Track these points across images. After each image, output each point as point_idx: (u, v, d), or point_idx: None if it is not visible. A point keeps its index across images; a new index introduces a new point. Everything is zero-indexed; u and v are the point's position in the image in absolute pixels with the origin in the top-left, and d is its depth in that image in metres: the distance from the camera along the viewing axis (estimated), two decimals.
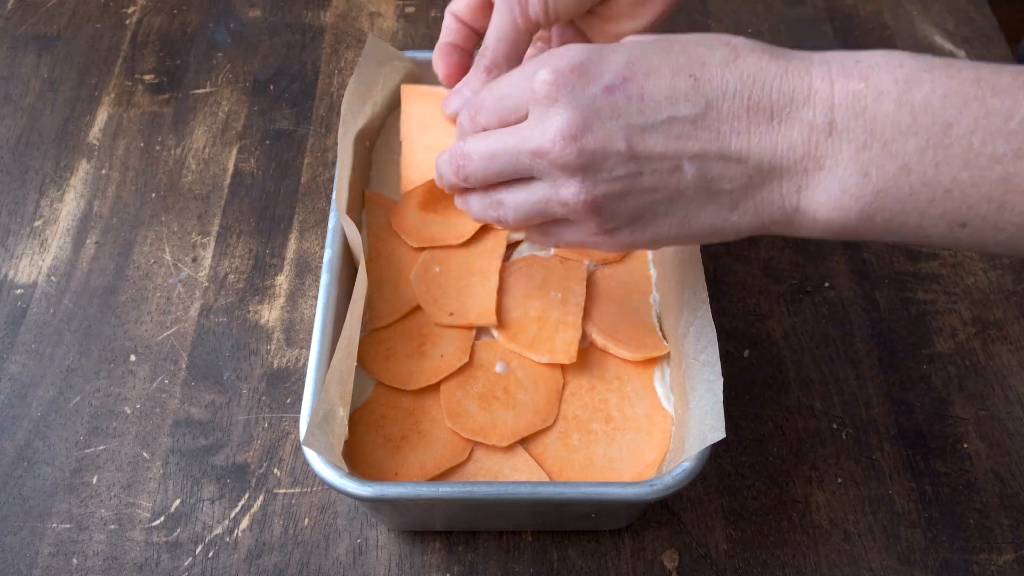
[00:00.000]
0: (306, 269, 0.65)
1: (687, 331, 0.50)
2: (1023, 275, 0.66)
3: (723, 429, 0.44)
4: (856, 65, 0.37)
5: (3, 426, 0.58)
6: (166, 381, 0.60)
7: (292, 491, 0.55)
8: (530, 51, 0.54)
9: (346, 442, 0.49)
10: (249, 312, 0.63)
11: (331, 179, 0.71)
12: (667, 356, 0.54)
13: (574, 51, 0.40)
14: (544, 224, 0.45)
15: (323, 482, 0.45)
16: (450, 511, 0.51)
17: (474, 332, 0.54)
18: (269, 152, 0.73)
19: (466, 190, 0.46)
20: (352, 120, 0.58)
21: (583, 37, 0.54)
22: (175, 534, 0.54)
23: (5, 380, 0.60)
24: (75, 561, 0.53)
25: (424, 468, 0.49)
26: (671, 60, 0.39)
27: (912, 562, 0.53)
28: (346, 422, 0.48)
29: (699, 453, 0.45)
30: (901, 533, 0.55)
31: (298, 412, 0.58)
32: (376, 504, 0.49)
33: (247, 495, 0.55)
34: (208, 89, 0.77)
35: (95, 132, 0.74)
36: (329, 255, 0.54)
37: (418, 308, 0.55)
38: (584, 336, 0.54)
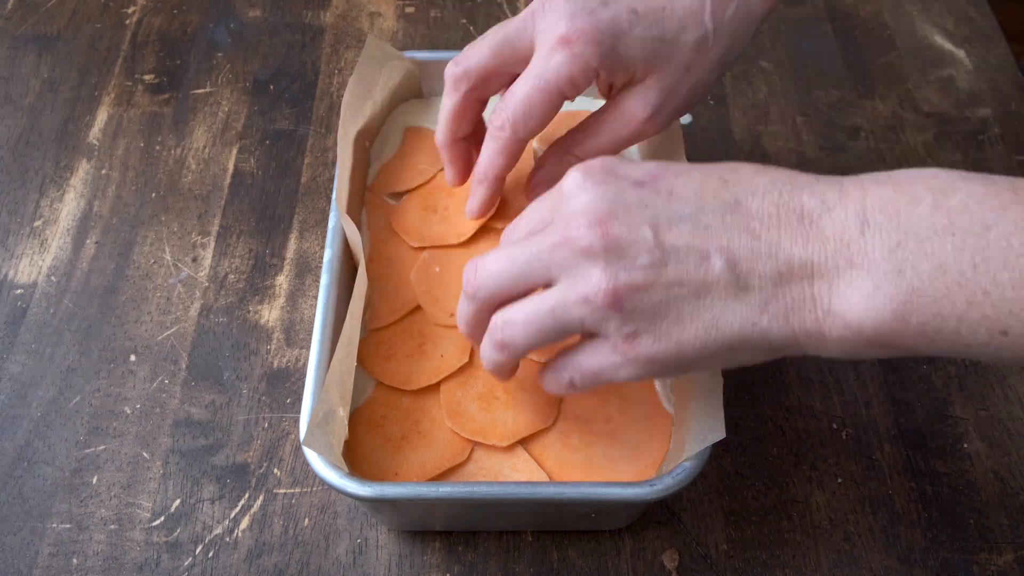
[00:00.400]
0: (306, 269, 0.65)
1: None
2: None
3: (723, 429, 0.44)
4: (889, 178, 0.37)
5: (3, 426, 0.58)
6: (166, 381, 0.60)
7: (292, 491, 0.55)
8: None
9: (346, 442, 0.49)
10: (249, 312, 0.63)
11: (331, 179, 0.71)
12: None
13: (603, 158, 0.40)
14: (557, 356, 0.43)
15: (323, 482, 0.45)
16: (450, 511, 0.51)
17: None
18: (269, 152, 0.73)
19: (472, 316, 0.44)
20: (352, 120, 0.58)
21: None
22: (175, 534, 0.54)
23: (5, 380, 0.60)
24: (75, 561, 0.53)
25: (424, 468, 0.49)
26: (699, 167, 0.39)
27: (912, 562, 0.54)
28: (346, 422, 0.48)
29: (699, 453, 0.45)
30: (901, 533, 0.55)
31: (298, 412, 0.58)
32: (376, 504, 0.49)
33: (247, 495, 0.55)
34: (208, 89, 0.77)
35: (95, 132, 0.74)
36: (329, 255, 0.54)
37: (418, 308, 0.55)
38: None
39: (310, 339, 0.53)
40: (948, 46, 0.82)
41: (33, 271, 0.65)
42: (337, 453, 0.46)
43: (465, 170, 0.56)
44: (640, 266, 0.37)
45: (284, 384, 0.60)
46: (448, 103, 0.53)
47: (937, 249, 0.34)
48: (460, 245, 0.58)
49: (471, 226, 0.58)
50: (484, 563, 0.53)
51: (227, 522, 0.54)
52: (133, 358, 0.61)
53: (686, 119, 0.75)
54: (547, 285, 0.40)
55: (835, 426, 0.59)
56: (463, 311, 0.45)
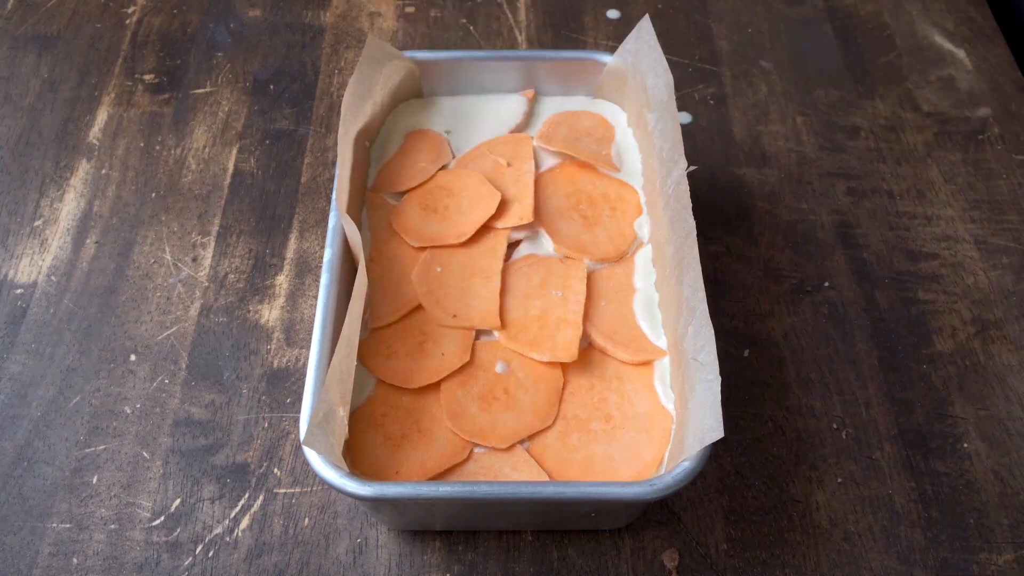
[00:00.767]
0: (306, 269, 0.65)
1: (686, 331, 0.50)
2: (1023, 275, 0.66)
3: (722, 429, 0.44)
4: None
5: (3, 426, 0.58)
6: (166, 381, 0.60)
7: (292, 491, 0.55)
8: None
9: (346, 441, 0.49)
10: (249, 312, 0.63)
11: (331, 179, 0.71)
12: (667, 355, 0.54)
13: None
14: None
15: (323, 482, 0.45)
16: (450, 510, 0.51)
17: (475, 332, 0.54)
18: (269, 152, 0.73)
19: None
20: (352, 120, 0.58)
21: None
22: (175, 534, 0.54)
23: (5, 380, 0.60)
24: (75, 561, 0.53)
25: (424, 467, 0.49)
26: None
27: (912, 562, 0.53)
28: (346, 422, 0.48)
29: (699, 453, 0.45)
30: (901, 533, 0.55)
31: (298, 412, 0.58)
32: (376, 503, 0.49)
33: (247, 495, 0.55)
34: (208, 89, 0.77)
35: (95, 132, 0.74)
36: (329, 255, 0.54)
37: (419, 307, 0.55)
38: (584, 336, 0.54)
39: (310, 339, 0.53)
40: (948, 46, 0.82)
41: (33, 271, 0.65)
42: (337, 453, 0.46)
43: None
44: None
45: (284, 384, 0.60)
46: None
47: None
48: (460, 245, 0.58)
49: (471, 226, 0.58)
50: (484, 563, 0.53)
51: (227, 522, 0.54)
52: (133, 358, 0.61)
53: (686, 118, 0.75)
54: None
55: (835, 426, 0.59)
56: None
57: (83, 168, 0.71)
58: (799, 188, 0.71)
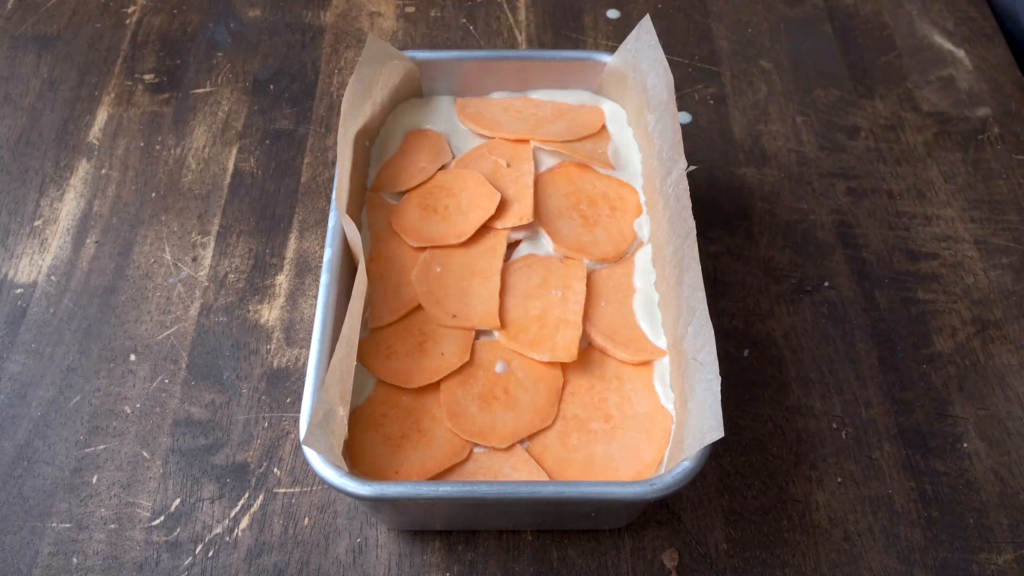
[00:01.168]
0: (306, 269, 0.66)
1: (686, 331, 0.50)
2: (1023, 275, 0.66)
3: (721, 428, 0.44)
4: None
5: (3, 426, 0.58)
6: (166, 381, 0.60)
7: (292, 490, 0.55)
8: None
9: (346, 441, 0.49)
10: (249, 312, 0.63)
11: (331, 179, 0.71)
12: (667, 355, 0.54)
13: None
14: None
15: (323, 481, 0.45)
16: (450, 510, 0.51)
17: (474, 332, 0.54)
18: (269, 152, 0.73)
19: None
20: (352, 119, 0.58)
21: None
22: (175, 533, 0.54)
23: (5, 380, 0.60)
24: (75, 560, 0.53)
25: (424, 467, 0.49)
26: None
27: (912, 562, 0.54)
28: (346, 421, 0.48)
29: (698, 452, 0.45)
30: (901, 533, 0.55)
31: (298, 412, 0.58)
32: (376, 503, 0.49)
33: (247, 494, 0.55)
34: (208, 89, 0.77)
35: (95, 132, 0.74)
36: (329, 255, 0.54)
37: (419, 307, 0.55)
38: (584, 336, 0.54)
39: (310, 339, 0.53)
40: (948, 46, 0.82)
41: (33, 271, 0.65)
42: (337, 452, 0.46)
43: None
44: None
45: (284, 384, 0.60)
46: None
47: None
48: (460, 245, 0.58)
49: (471, 226, 0.58)
50: (484, 562, 0.53)
51: (227, 521, 0.54)
52: (133, 358, 0.61)
53: (686, 118, 0.75)
54: None
55: (835, 426, 0.59)
56: None
57: (83, 168, 0.71)
58: (799, 188, 0.71)
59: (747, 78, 0.79)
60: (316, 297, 0.58)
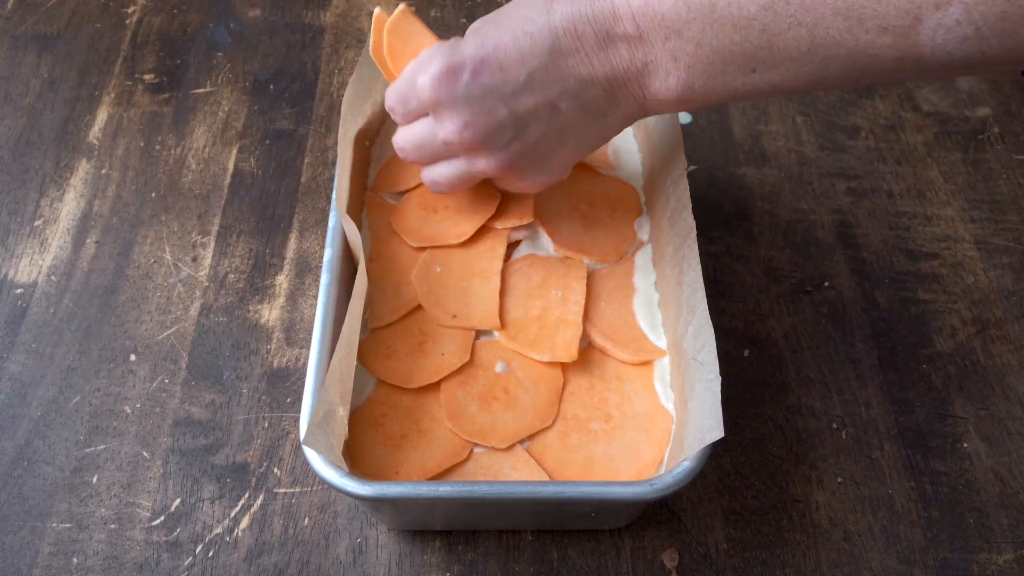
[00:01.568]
0: (306, 269, 0.65)
1: (686, 330, 0.50)
2: (1023, 275, 0.66)
3: (721, 428, 0.44)
4: None
5: (3, 426, 0.58)
6: (166, 381, 0.60)
7: (292, 490, 0.55)
8: None
9: (346, 441, 0.49)
10: (249, 312, 0.63)
11: (331, 179, 0.71)
12: (667, 355, 0.54)
13: (436, 59, 0.48)
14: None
15: (323, 481, 0.45)
16: (450, 510, 0.51)
17: (474, 332, 0.54)
18: (269, 152, 0.73)
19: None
20: (352, 119, 0.58)
21: None
22: (175, 533, 0.54)
23: (5, 380, 0.60)
24: (75, 560, 0.53)
25: (424, 467, 0.49)
26: (508, 29, 0.48)
27: (912, 562, 0.54)
28: (346, 421, 0.48)
29: (699, 452, 0.45)
30: (901, 533, 0.55)
31: (298, 412, 0.58)
32: (376, 503, 0.49)
33: (247, 494, 0.55)
34: (208, 89, 0.77)
35: (95, 132, 0.74)
36: (329, 255, 0.54)
37: (419, 307, 0.55)
38: (584, 336, 0.54)
39: (310, 339, 0.53)
40: None
41: (33, 271, 0.65)
42: (337, 452, 0.46)
43: None
44: (508, 141, 0.50)
45: (284, 384, 0.60)
46: None
47: (689, 32, 0.45)
48: (460, 245, 0.58)
49: (471, 226, 0.58)
50: (484, 562, 0.53)
51: (227, 521, 0.54)
52: (133, 358, 0.61)
53: (686, 118, 0.75)
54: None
55: (835, 426, 0.59)
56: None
57: (83, 168, 0.71)
58: (799, 188, 0.71)
59: None
60: (316, 297, 0.58)
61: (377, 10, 0.56)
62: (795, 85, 0.45)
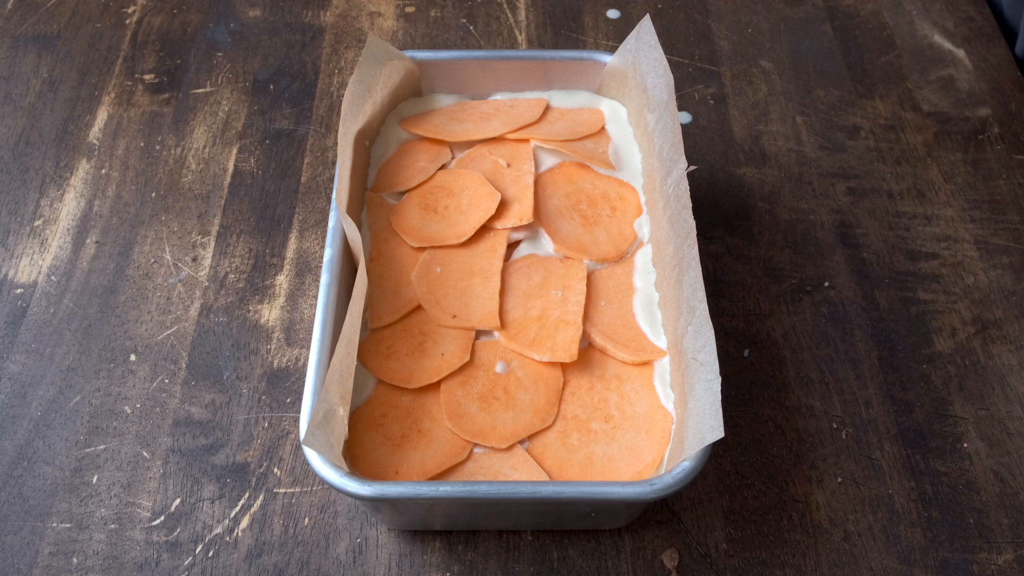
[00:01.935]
0: (306, 269, 0.65)
1: (686, 331, 0.50)
2: (1023, 275, 0.66)
3: (721, 428, 0.44)
4: None
5: (3, 426, 0.58)
6: (166, 381, 0.60)
7: (292, 490, 0.55)
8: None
9: (346, 441, 0.49)
10: (249, 312, 0.63)
11: (331, 179, 0.71)
12: (667, 355, 0.54)
13: None
14: None
15: (323, 481, 0.45)
16: (450, 510, 0.51)
17: (474, 332, 0.54)
18: (269, 152, 0.73)
19: None
20: (352, 119, 0.58)
21: None
22: (175, 533, 0.54)
23: (5, 380, 0.60)
24: (75, 560, 0.53)
25: (424, 467, 0.49)
26: None
27: (912, 562, 0.54)
28: (346, 421, 0.48)
29: (699, 452, 0.45)
30: (901, 533, 0.55)
31: (298, 412, 0.58)
32: (376, 503, 0.49)
33: (247, 494, 0.55)
34: (208, 89, 0.77)
35: (95, 132, 0.74)
36: (329, 255, 0.54)
37: (419, 307, 0.55)
38: (584, 336, 0.54)
39: (310, 339, 0.53)
40: (948, 46, 0.82)
41: (33, 271, 0.65)
42: (337, 452, 0.46)
43: None
44: None
45: (284, 384, 0.60)
46: None
47: None
48: (460, 245, 0.58)
49: (471, 226, 0.58)
50: (484, 562, 0.53)
51: (227, 521, 0.54)
52: (133, 358, 0.61)
53: (686, 118, 0.75)
54: None
55: (835, 426, 0.59)
56: None
57: (83, 168, 0.71)
58: (799, 188, 0.71)
59: (747, 78, 0.79)
60: (316, 297, 0.58)
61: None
62: None
